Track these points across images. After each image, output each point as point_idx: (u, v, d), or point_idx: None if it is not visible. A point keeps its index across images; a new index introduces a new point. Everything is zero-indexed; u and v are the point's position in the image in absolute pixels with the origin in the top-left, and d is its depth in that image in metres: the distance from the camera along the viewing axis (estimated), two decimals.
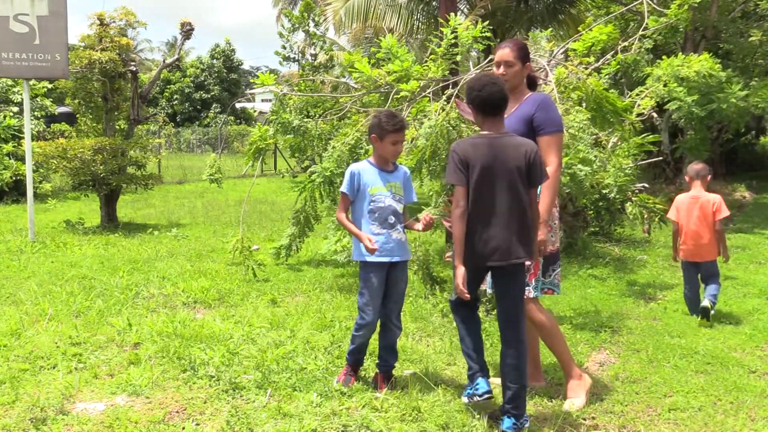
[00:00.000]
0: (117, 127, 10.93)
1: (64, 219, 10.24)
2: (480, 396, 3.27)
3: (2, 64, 8.66)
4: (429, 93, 6.53)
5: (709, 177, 5.69)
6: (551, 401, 3.63)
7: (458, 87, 5.85)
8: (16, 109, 13.85)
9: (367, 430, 3.21)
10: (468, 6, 16.99)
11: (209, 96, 37.86)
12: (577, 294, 6.16)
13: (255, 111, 42.09)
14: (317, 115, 7.63)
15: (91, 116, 10.53)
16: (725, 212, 5.42)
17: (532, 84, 3.87)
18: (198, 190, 16.58)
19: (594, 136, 6.86)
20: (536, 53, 7.67)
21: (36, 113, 14.45)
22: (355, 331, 3.73)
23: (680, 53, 11.16)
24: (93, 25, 10.37)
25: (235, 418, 3.27)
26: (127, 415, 3.29)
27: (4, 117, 13.36)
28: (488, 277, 3.52)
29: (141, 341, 4.46)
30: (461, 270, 3.17)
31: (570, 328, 5.06)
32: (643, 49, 7.86)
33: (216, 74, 38.37)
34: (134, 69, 10.37)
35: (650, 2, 7.62)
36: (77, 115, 10.98)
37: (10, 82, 14.15)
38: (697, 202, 5.48)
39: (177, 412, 3.39)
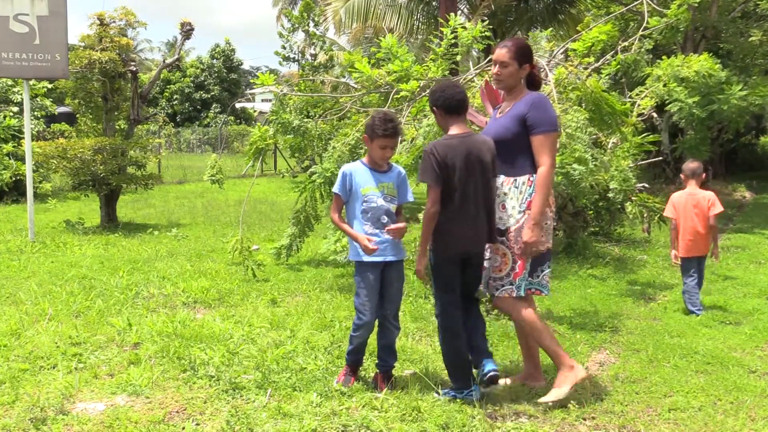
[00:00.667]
0: (117, 127, 10.93)
1: (64, 219, 10.23)
2: (485, 375, 3.48)
3: (2, 64, 8.66)
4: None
5: (704, 175, 5.85)
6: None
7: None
8: (16, 109, 13.83)
9: (367, 430, 3.21)
10: (468, 6, 17.00)
11: (209, 96, 37.84)
12: (577, 294, 6.16)
13: (255, 111, 42.10)
14: (317, 115, 7.63)
15: (91, 116, 10.52)
16: (719, 208, 5.58)
17: (537, 85, 3.82)
18: (198, 190, 16.57)
19: (594, 137, 6.87)
20: (536, 53, 7.67)
21: (36, 113, 14.44)
22: (353, 331, 3.73)
23: (680, 53, 11.17)
24: (93, 25, 10.37)
25: (235, 418, 3.27)
26: (127, 415, 3.29)
27: (4, 117, 13.36)
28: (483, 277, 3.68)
29: (141, 341, 4.46)
30: (425, 261, 3.59)
31: (570, 328, 5.06)
32: (643, 49, 7.86)
33: (216, 74, 38.36)
34: (134, 69, 10.37)
35: (650, 2, 7.62)
36: (77, 115, 10.98)
37: (10, 82, 14.13)
38: (693, 198, 5.62)
39: (177, 412, 3.39)
